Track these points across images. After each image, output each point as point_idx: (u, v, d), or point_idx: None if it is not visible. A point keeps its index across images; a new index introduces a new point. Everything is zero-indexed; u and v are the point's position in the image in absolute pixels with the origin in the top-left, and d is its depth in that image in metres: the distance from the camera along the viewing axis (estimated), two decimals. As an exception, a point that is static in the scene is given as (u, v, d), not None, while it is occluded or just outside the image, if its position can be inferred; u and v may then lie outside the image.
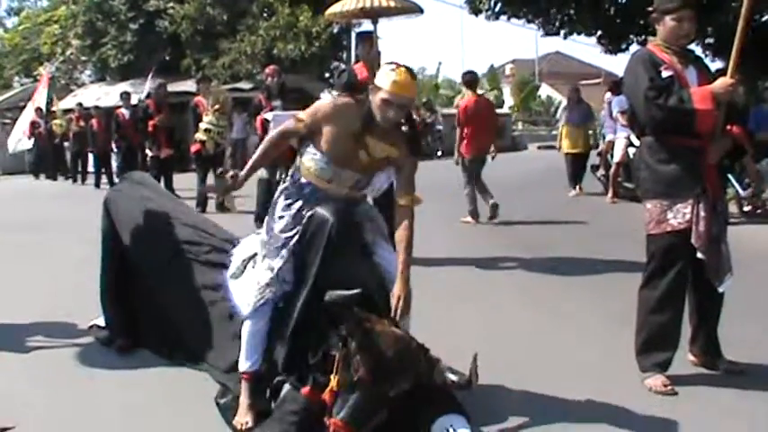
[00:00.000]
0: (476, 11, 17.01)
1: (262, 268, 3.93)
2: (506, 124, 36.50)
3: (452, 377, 3.42)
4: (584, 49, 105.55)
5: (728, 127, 4.32)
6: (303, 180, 3.97)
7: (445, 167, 22.71)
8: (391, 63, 3.89)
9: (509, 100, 46.69)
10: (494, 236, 9.97)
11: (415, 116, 25.39)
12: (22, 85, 36.94)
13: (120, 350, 5.15)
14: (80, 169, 21.68)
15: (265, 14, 27.83)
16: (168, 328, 4.96)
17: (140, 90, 21.65)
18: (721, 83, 4.16)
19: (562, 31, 17.48)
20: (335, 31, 27.08)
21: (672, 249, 4.28)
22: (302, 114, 3.97)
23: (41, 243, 10.03)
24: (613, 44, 16.60)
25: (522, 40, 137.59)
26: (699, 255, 4.22)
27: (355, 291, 3.42)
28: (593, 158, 14.82)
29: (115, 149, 18.38)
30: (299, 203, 3.92)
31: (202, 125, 12.61)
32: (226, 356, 4.36)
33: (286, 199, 3.98)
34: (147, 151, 14.87)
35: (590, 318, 5.84)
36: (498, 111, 38.28)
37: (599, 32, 16.89)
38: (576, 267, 7.64)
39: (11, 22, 45.42)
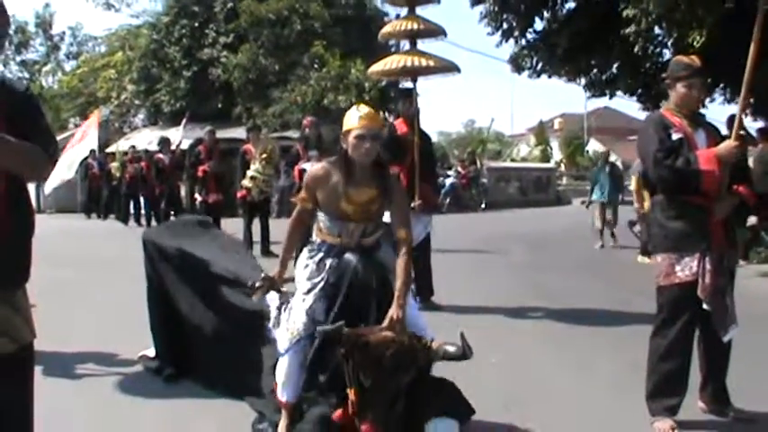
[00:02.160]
0: (519, 68, 17.34)
1: (296, 310, 4.19)
2: (550, 178, 36.61)
3: (450, 348, 3.75)
4: (632, 104, 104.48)
5: (735, 186, 4.56)
6: (319, 240, 4.32)
7: (483, 219, 23.03)
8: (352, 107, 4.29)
9: (557, 154, 46.67)
10: (523, 286, 10.19)
11: (459, 169, 25.96)
12: (76, 126, 37.75)
13: (167, 379, 5.41)
14: (133, 211, 21.90)
15: (316, 65, 28.31)
16: (210, 358, 5.27)
17: (188, 135, 22.08)
18: (725, 146, 4.44)
19: (607, 92, 17.75)
20: (383, 83, 27.50)
21: (680, 300, 4.52)
22: (302, 191, 4.37)
23: (92, 279, 10.36)
24: (653, 103, 16.77)
25: (571, 95, 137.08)
26: (705, 306, 4.45)
27: (339, 323, 3.74)
28: (631, 214, 14.86)
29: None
30: (321, 255, 4.24)
31: (249, 173, 12.86)
32: (262, 385, 4.70)
33: (309, 251, 4.32)
34: (197, 196, 15.18)
35: (607, 365, 6.04)
36: (543, 165, 38.62)
37: (639, 90, 17.12)
38: (600, 318, 7.84)
39: (69, 66, 46.73)
